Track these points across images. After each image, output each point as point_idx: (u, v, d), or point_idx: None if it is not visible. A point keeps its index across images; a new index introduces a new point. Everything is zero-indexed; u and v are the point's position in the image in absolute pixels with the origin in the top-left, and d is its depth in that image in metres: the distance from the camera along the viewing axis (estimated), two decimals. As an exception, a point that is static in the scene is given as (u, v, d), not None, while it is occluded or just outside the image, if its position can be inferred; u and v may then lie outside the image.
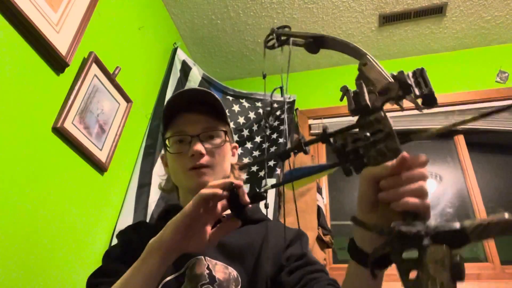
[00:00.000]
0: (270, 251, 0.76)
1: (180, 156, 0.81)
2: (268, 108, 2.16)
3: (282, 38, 0.59)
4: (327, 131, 0.46)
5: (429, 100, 0.41)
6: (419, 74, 0.42)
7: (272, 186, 0.47)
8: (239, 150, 2.02)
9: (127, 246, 0.79)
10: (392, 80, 0.43)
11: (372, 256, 0.42)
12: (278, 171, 2.00)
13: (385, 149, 0.43)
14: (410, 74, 0.42)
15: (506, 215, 0.33)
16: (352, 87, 0.47)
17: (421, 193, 0.41)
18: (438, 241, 0.35)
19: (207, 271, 0.71)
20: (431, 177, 2.26)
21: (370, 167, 0.44)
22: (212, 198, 0.59)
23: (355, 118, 0.46)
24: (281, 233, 0.81)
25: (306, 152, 0.47)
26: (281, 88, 0.57)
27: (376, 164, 0.43)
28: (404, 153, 0.42)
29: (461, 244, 0.35)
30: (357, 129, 0.45)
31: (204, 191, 0.59)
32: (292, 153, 0.49)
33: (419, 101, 0.43)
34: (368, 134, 0.43)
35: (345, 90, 0.47)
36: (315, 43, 0.54)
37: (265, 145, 2.17)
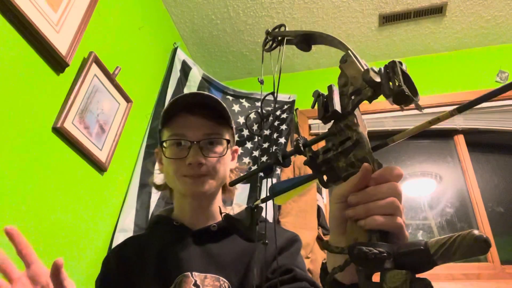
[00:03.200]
0: (259, 259, 0.74)
1: (178, 162, 0.77)
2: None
3: (279, 38, 0.58)
4: (301, 142, 0.42)
5: (400, 99, 0.36)
6: (391, 69, 0.37)
7: (262, 201, 0.45)
8: (239, 150, 2.02)
9: (107, 278, 0.79)
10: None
11: (330, 277, 0.40)
12: (278, 170, 2.00)
13: (354, 158, 0.39)
14: (382, 70, 0.38)
15: (476, 232, 0.30)
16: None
17: (391, 210, 0.37)
18: (401, 264, 0.32)
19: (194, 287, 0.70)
20: (431, 177, 2.27)
21: (339, 185, 0.40)
22: None
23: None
24: (273, 237, 0.78)
25: (285, 165, 0.44)
26: (273, 93, 0.55)
27: (347, 176, 0.39)
28: (366, 164, 0.37)
29: (425, 268, 0.32)
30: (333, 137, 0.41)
31: None
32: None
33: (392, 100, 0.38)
34: (337, 143, 0.40)
35: (316, 95, 0.43)
36: (305, 40, 0.53)
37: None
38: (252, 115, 2.22)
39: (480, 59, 2.39)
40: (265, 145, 2.18)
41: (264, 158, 2.11)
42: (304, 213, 1.85)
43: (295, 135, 2.27)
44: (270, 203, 0.46)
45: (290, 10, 2.26)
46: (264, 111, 2.34)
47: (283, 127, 2.20)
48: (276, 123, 2.23)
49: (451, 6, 2.18)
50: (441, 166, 2.26)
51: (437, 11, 2.21)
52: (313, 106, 0.43)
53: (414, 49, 2.49)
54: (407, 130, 0.38)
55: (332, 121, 0.42)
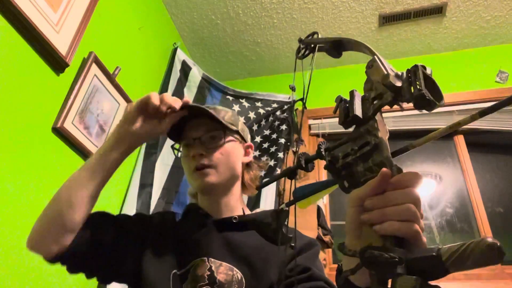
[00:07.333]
0: (277, 258, 0.75)
1: (186, 159, 0.84)
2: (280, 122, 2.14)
3: (312, 45, 0.58)
4: (323, 147, 0.43)
5: (421, 103, 0.35)
6: (413, 73, 0.37)
7: (287, 205, 0.46)
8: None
9: (140, 221, 0.85)
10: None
11: (342, 279, 0.40)
12: (278, 171, 2.01)
13: (372, 163, 0.38)
14: (404, 74, 0.38)
15: (489, 240, 0.29)
16: (358, 88, 0.44)
17: (408, 217, 0.36)
18: (412, 270, 0.32)
19: (208, 273, 0.72)
20: (431, 177, 2.27)
21: (356, 188, 0.40)
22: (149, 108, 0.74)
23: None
24: (293, 239, 0.81)
25: (308, 170, 0.44)
26: (302, 99, 0.58)
27: (365, 181, 0.39)
28: (384, 169, 0.37)
29: (436, 275, 0.32)
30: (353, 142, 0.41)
31: (146, 100, 0.73)
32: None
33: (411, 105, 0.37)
34: (356, 147, 0.40)
35: (338, 101, 0.43)
36: (335, 47, 0.53)
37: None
38: (253, 115, 2.22)
39: (480, 59, 2.39)
40: (266, 145, 2.18)
41: (264, 158, 2.11)
42: (304, 213, 1.85)
43: (295, 135, 2.27)
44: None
45: (290, 10, 2.26)
46: (264, 111, 2.34)
47: (283, 127, 2.20)
48: (276, 123, 2.23)
49: (451, 6, 2.18)
50: (441, 166, 2.26)
51: (437, 11, 2.21)
52: (335, 112, 0.43)
53: (414, 49, 2.49)
54: (428, 135, 0.37)
55: (354, 126, 0.42)
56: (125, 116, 0.76)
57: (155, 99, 0.73)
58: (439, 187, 2.22)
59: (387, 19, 2.28)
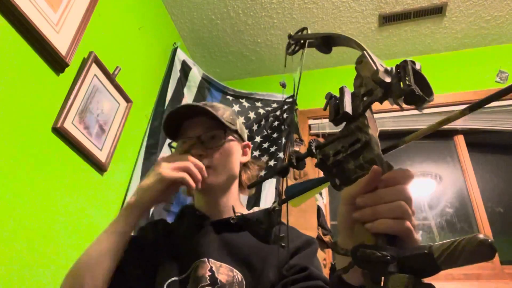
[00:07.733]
0: (276, 257, 0.75)
1: None
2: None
3: (302, 41, 0.58)
4: (313, 145, 0.42)
5: (411, 99, 0.35)
6: (402, 69, 0.36)
7: (279, 204, 0.46)
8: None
9: (138, 241, 0.83)
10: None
11: (334, 278, 0.40)
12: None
13: (363, 160, 0.38)
14: (394, 70, 0.37)
15: (481, 236, 0.29)
16: (352, 88, 0.43)
17: (399, 214, 0.36)
18: (404, 268, 0.32)
19: (209, 273, 0.71)
20: (431, 177, 2.27)
21: (348, 186, 0.39)
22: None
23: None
24: (291, 238, 0.79)
25: (299, 168, 0.44)
26: (293, 96, 0.57)
27: (357, 178, 0.38)
28: (375, 166, 0.36)
29: (428, 272, 0.31)
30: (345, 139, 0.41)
31: (173, 176, 0.72)
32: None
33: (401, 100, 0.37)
34: (347, 145, 0.39)
35: (328, 98, 0.43)
36: (324, 42, 0.53)
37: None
38: (253, 115, 2.22)
39: (480, 59, 2.39)
40: (266, 145, 2.18)
41: (264, 158, 2.11)
42: (304, 213, 1.85)
43: (295, 135, 2.27)
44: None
45: (290, 10, 2.26)
46: (264, 111, 2.33)
47: (283, 127, 2.20)
48: (276, 123, 2.23)
49: (451, 6, 2.18)
50: (441, 166, 2.26)
51: (437, 11, 2.21)
52: (325, 108, 0.43)
53: (414, 49, 2.49)
54: (418, 131, 0.37)
55: (344, 122, 0.41)
56: (148, 189, 0.74)
57: (191, 182, 0.73)
58: (439, 187, 2.22)
59: (387, 19, 2.28)
